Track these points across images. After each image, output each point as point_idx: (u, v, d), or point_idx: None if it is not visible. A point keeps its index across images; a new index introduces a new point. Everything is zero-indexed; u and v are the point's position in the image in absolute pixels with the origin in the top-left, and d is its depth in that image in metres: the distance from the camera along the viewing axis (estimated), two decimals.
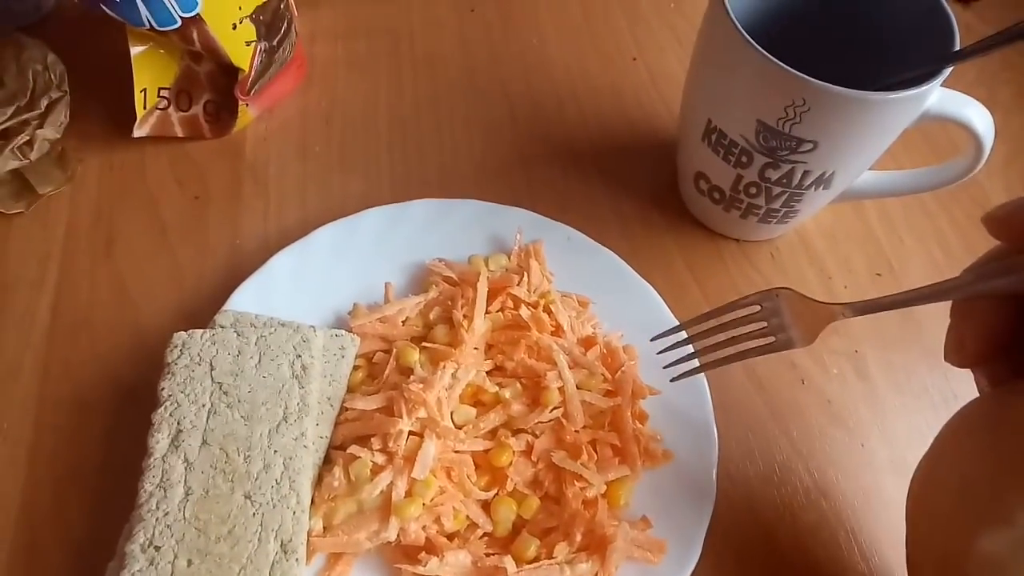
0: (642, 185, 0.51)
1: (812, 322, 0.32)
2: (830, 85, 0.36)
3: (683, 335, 0.37)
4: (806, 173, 0.41)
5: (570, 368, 0.40)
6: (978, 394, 0.32)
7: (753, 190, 0.43)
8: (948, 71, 0.37)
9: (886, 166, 0.45)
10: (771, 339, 0.33)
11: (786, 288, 0.33)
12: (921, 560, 0.32)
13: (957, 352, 0.30)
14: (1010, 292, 0.27)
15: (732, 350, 0.34)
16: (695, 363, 0.36)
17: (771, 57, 0.36)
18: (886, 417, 0.44)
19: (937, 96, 0.39)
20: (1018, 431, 0.27)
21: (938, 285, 0.29)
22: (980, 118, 0.39)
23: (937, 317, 0.47)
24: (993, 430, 0.28)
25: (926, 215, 0.51)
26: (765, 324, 0.33)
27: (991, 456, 0.27)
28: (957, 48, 0.38)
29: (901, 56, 0.41)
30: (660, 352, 0.37)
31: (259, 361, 0.38)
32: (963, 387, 0.45)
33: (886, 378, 0.45)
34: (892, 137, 0.40)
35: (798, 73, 0.36)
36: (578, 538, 0.36)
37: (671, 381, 0.37)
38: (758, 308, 0.33)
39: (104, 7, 0.43)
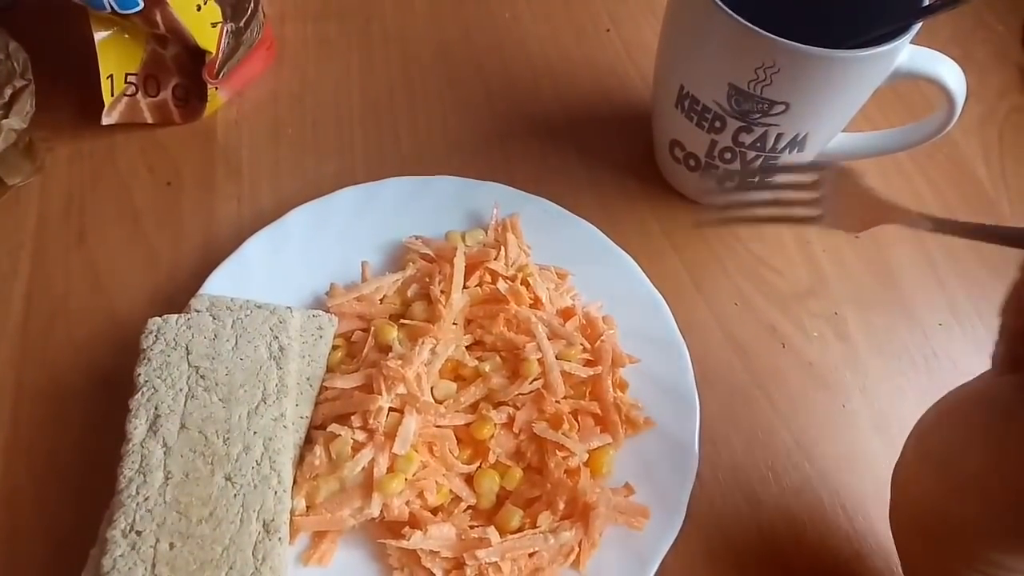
0: (618, 156, 0.51)
1: (866, 213, 0.31)
2: (798, 44, 0.35)
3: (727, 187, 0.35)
4: (779, 136, 0.41)
5: (549, 339, 0.40)
6: (989, 365, 0.28)
7: (728, 155, 0.43)
8: (916, 27, 0.37)
9: (860, 127, 0.45)
10: (818, 211, 0.31)
11: (851, 169, 0.31)
12: (908, 530, 0.32)
13: (1015, 311, 0.27)
14: None
15: (776, 211, 0.32)
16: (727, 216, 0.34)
17: (739, 19, 0.36)
18: (867, 378, 0.44)
19: (908, 54, 0.39)
20: None
21: (1013, 228, 0.27)
22: (951, 73, 0.39)
23: (918, 279, 0.48)
24: (1011, 425, 0.26)
25: (902, 175, 0.51)
26: (817, 195, 0.32)
27: (1006, 456, 0.26)
28: (925, 4, 0.38)
29: (873, 15, 0.40)
30: (707, 188, 0.34)
31: (236, 344, 0.38)
32: (943, 347, 0.45)
33: (866, 339, 0.45)
34: (863, 96, 0.40)
35: (766, 34, 0.36)
36: (561, 507, 0.36)
37: (696, 227, 0.34)
38: (816, 178, 0.32)
39: None
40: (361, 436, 0.36)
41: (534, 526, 0.36)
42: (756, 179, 0.33)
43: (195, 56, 0.48)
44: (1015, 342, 0.27)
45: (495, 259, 0.42)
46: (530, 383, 0.39)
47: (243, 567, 0.33)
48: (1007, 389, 0.27)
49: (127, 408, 0.36)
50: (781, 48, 0.36)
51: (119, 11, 0.43)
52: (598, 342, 0.40)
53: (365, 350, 0.40)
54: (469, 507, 0.37)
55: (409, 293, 0.42)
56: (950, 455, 0.28)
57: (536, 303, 0.42)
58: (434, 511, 0.36)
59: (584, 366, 0.40)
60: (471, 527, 0.36)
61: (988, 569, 0.28)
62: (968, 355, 0.45)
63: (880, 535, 0.39)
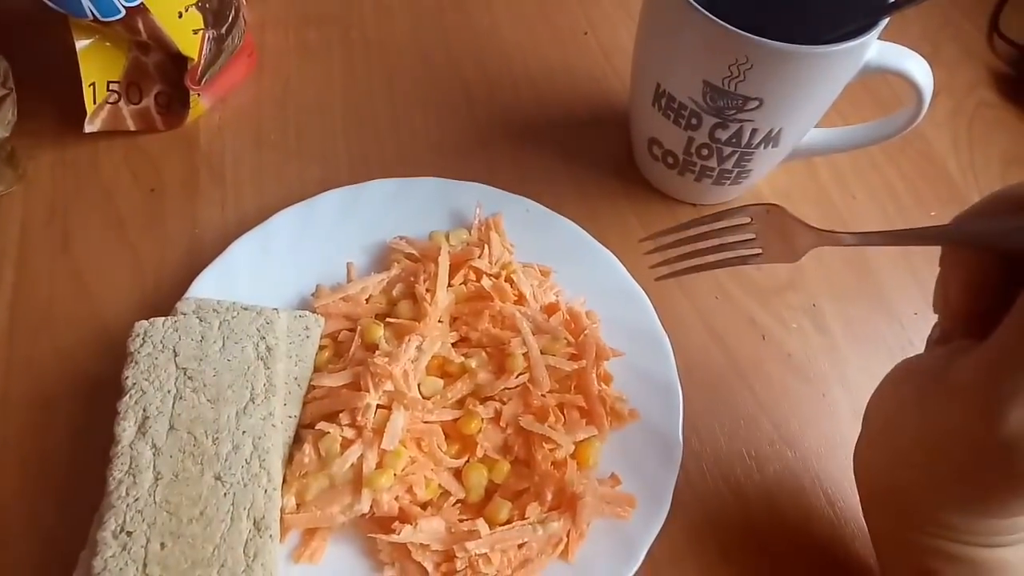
0: (598, 156, 0.52)
1: (799, 242, 0.32)
2: (770, 41, 0.36)
3: (667, 240, 0.36)
4: (754, 131, 0.42)
5: (534, 334, 0.40)
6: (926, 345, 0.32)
7: (705, 151, 0.44)
8: (884, 23, 0.38)
9: (833, 123, 0.47)
10: (758, 250, 0.33)
11: (776, 205, 0.33)
12: (868, 504, 0.34)
13: (943, 302, 0.30)
14: (992, 245, 0.27)
15: (718, 256, 0.34)
16: (676, 266, 0.36)
17: (712, 17, 0.37)
18: (846, 368, 0.45)
19: (876, 49, 0.40)
20: (948, 392, 0.27)
21: (927, 228, 0.29)
22: (918, 68, 0.40)
23: (892, 270, 0.48)
24: (939, 387, 0.28)
25: (875, 170, 0.53)
26: (754, 236, 0.33)
27: (920, 414, 0.28)
28: (892, 1, 0.39)
29: (843, 13, 0.41)
30: (648, 252, 0.36)
31: (223, 345, 0.38)
32: (919, 336, 0.46)
33: (844, 331, 0.46)
34: (835, 91, 0.41)
35: (739, 31, 0.37)
36: (549, 498, 0.37)
37: (656, 280, 0.36)
38: (749, 220, 0.33)
39: (45, 0, 0.42)
40: (350, 433, 0.37)
41: (523, 518, 0.36)
42: (692, 230, 0.36)
43: (177, 63, 0.48)
44: (948, 324, 0.30)
45: (479, 257, 0.43)
46: (516, 378, 0.39)
47: (234, 565, 0.33)
48: (939, 356, 0.29)
49: (115, 411, 0.36)
50: (753, 45, 0.37)
51: (101, 19, 0.44)
52: (582, 336, 0.41)
53: (352, 349, 0.40)
54: (458, 501, 0.37)
55: (394, 292, 0.43)
56: (894, 428, 0.30)
57: (520, 299, 0.42)
58: (423, 505, 0.37)
59: (569, 360, 0.40)
60: (460, 520, 0.36)
61: (941, 532, 0.29)
62: None
63: (861, 520, 0.39)
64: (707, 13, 0.37)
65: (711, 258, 0.34)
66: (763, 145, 0.43)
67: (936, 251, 0.48)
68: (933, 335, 0.32)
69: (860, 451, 0.33)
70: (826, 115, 0.43)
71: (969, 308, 0.29)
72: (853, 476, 0.33)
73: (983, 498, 0.27)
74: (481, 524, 0.35)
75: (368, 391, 0.37)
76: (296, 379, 0.39)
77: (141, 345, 0.38)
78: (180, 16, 0.46)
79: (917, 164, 0.53)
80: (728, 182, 0.47)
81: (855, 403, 0.43)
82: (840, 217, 0.51)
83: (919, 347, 0.45)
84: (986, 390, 0.25)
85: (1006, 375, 0.25)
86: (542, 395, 0.39)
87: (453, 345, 0.41)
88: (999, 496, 0.27)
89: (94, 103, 0.48)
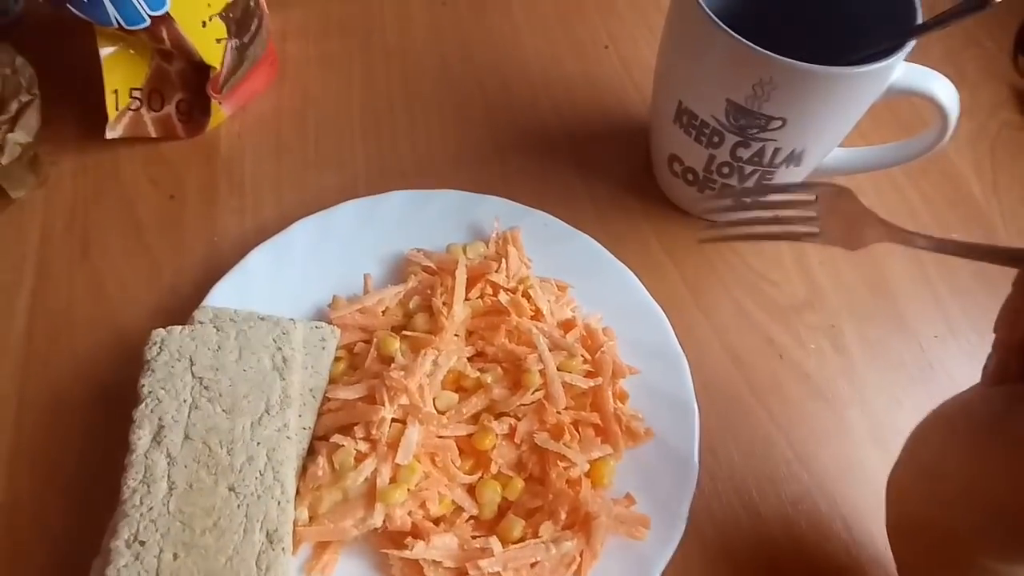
0: (617, 170, 0.52)
1: (867, 232, 0.31)
2: (795, 61, 0.36)
3: (731, 198, 0.35)
4: (776, 151, 0.41)
5: (550, 351, 0.40)
6: (980, 377, 0.29)
7: (726, 170, 0.44)
8: (910, 45, 0.38)
9: (855, 143, 0.46)
10: (816, 230, 0.32)
11: (848, 189, 0.32)
12: (903, 540, 0.32)
13: (1008, 329, 0.28)
14: None
15: (777, 228, 0.33)
16: (733, 230, 0.35)
17: (737, 36, 0.37)
18: (864, 389, 0.44)
19: (902, 70, 0.39)
20: (1015, 448, 0.25)
21: (1012, 248, 0.27)
22: (944, 90, 0.40)
23: (913, 293, 0.48)
24: (995, 436, 0.26)
25: (897, 191, 0.52)
26: (816, 215, 0.32)
27: (991, 466, 0.27)
28: (919, 23, 0.39)
29: (868, 34, 0.41)
30: (706, 209, 0.34)
31: (239, 355, 0.38)
32: (939, 359, 0.46)
33: (863, 352, 0.46)
34: (859, 112, 0.41)
35: (764, 51, 0.36)
36: (563, 517, 0.36)
37: (700, 242, 0.35)
38: (814, 198, 0.32)
39: (71, 7, 0.42)
40: (364, 447, 0.37)
41: (536, 536, 0.36)
42: (755, 196, 0.34)
43: (199, 71, 0.48)
44: (1007, 355, 0.28)
45: (496, 271, 0.43)
46: (531, 394, 0.39)
47: None
48: (995, 399, 0.27)
49: (130, 419, 0.36)
50: (778, 65, 0.36)
51: (126, 27, 0.44)
52: (598, 353, 0.41)
53: (367, 361, 0.40)
54: (471, 517, 0.37)
55: (411, 305, 0.43)
56: (939, 465, 0.29)
57: (537, 315, 0.42)
58: (436, 521, 0.37)
59: (585, 377, 0.40)
60: (473, 537, 0.36)
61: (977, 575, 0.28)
62: (963, 367, 0.45)
63: (878, 545, 0.39)
64: (732, 32, 0.37)
65: (762, 229, 0.33)
66: (785, 164, 0.42)
67: (958, 277, 0.47)
68: (988, 365, 0.29)
69: (898, 476, 0.32)
70: (848, 135, 0.43)
71: None
72: (872, 499, 0.32)
73: None
74: (494, 541, 0.35)
75: (383, 404, 0.37)
76: (311, 391, 0.39)
77: (158, 353, 0.38)
78: (204, 25, 0.46)
79: (939, 186, 0.53)
80: None
81: (873, 425, 0.43)
82: None
83: (939, 371, 0.45)
84: None
85: None
86: (557, 412, 0.39)
87: (469, 360, 0.41)
88: None
89: (116, 110, 0.48)
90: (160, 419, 0.36)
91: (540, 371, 0.39)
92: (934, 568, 0.30)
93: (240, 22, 0.49)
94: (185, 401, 0.37)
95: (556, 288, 0.44)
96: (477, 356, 0.41)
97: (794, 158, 0.42)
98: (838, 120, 0.41)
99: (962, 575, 0.29)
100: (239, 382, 0.37)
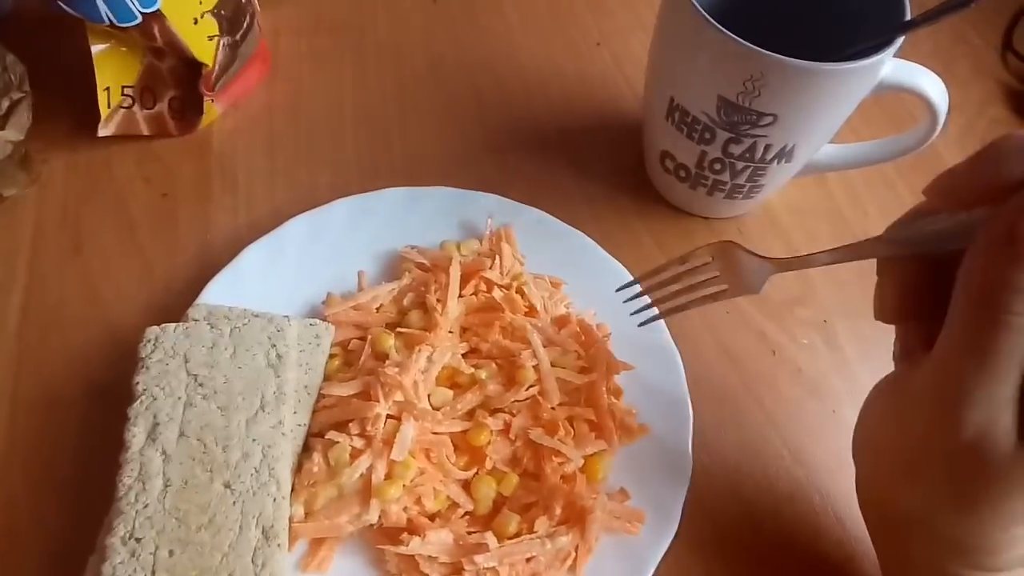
0: (610, 167, 0.52)
1: (755, 274, 0.33)
2: (785, 58, 0.36)
3: (642, 287, 0.37)
4: (768, 147, 0.42)
5: (544, 346, 0.40)
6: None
7: (717, 166, 0.44)
8: (899, 41, 0.38)
9: (846, 139, 0.46)
10: (724, 287, 0.34)
11: (729, 241, 0.34)
12: (869, 523, 0.34)
13: (879, 308, 0.31)
14: (925, 249, 0.28)
15: (691, 296, 0.35)
16: (657, 310, 0.37)
17: (728, 33, 0.37)
18: (857, 385, 0.44)
19: (891, 66, 0.40)
20: (912, 404, 0.28)
21: (861, 243, 0.30)
22: (933, 86, 0.40)
23: None
24: (895, 407, 0.30)
25: (888, 186, 0.53)
26: (718, 273, 0.34)
27: (895, 431, 0.30)
28: (908, 19, 0.39)
29: (858, 30, 0.41)
30: (626, 301, 0.37)
31: (234, 352, 0.38)
32: None
33: (855, 347, 0.46)
34: (849, 108, 0.41)
35: (755, 47, 0.37)
36: (558, 512, 0.36)
37: (639, 326, 0.37)
38: (710, 258, 0.34)
39: (63, 4, 0.42)
40: (359, 443, 0.37)
41: (531, 531, 0.36)
42: (658, 278, 0.36)
43: (191, 69, 0.48)
44: (904, 335, 0.31)
45: (490, 268, 0.43)
46: (526, 390, 0.39)
47: (243, 573, 0.33)
48: (898, 373, 0.31)
49: (124, 417, 0.36)
50: (769, 61, 0.37)
51: (117, 24, 0.44)
52: (592, 349, 0.41)
53: (362, 358, 0.40)
54: (466, 513, 0.37)
55: (405, 302, 0.43)
56: (873, 446, 0.31)
57: (531, 311, 0.42)
58: (432, 517, 0.37)
59: (579, 373, 0.40)
60: (468, 533, 0.36)
61: (950, 556, 0.29)
62: None
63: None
64: (722, 28, 0.37)
65: (683, 299, 0.35)
66: (776, 160, 0.43)
67: None
68: (895, 351, 0.32)
69: (858, 487, 0.33)
70: (839, 131, 0.43)
71: (903, 312, 0.30)
72: None
73: (972, 506, 0.27)
74: (489, 537, 0.35)
75: (378, 401, 0.37)
76: (306, 387, 0.39)
77: (152, 351, 0.38)
78: (196, 23, 0.46)
79: (929, 180, 0.53)
80: (740, 196, 0.46)
81: None
82: (852, 232, 0.50)
83: None
84: (940, 399, 0.26)
85: (952, 383, 0.25)
86: (552, 408, 0.39)
87: (463, 356, 0.41)
88: (986, 500, 0.26)
89: (108, 107, 0.48)
90: (155, 416, 0.36)
91: (534, 367, 0.40)
92: (898, 545, 0.32)
93: (232, 19, 0.48)
94: (180, 398, 0.37)
95: (550, 284, 0.44)
96: (471, 352, 0.41)
97: (785, 154, 0.42)
98: (828, 116, 0.41)
99: (936, 558, 0.29)
100: (234, 379, 0.37)
